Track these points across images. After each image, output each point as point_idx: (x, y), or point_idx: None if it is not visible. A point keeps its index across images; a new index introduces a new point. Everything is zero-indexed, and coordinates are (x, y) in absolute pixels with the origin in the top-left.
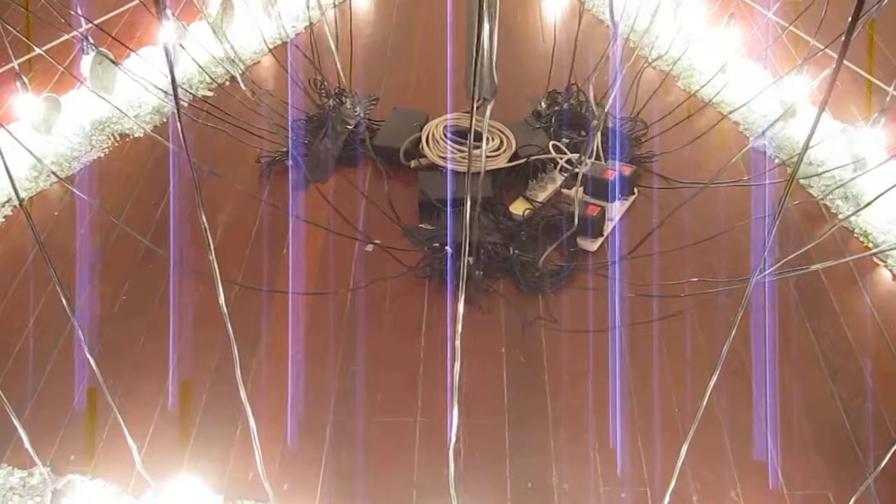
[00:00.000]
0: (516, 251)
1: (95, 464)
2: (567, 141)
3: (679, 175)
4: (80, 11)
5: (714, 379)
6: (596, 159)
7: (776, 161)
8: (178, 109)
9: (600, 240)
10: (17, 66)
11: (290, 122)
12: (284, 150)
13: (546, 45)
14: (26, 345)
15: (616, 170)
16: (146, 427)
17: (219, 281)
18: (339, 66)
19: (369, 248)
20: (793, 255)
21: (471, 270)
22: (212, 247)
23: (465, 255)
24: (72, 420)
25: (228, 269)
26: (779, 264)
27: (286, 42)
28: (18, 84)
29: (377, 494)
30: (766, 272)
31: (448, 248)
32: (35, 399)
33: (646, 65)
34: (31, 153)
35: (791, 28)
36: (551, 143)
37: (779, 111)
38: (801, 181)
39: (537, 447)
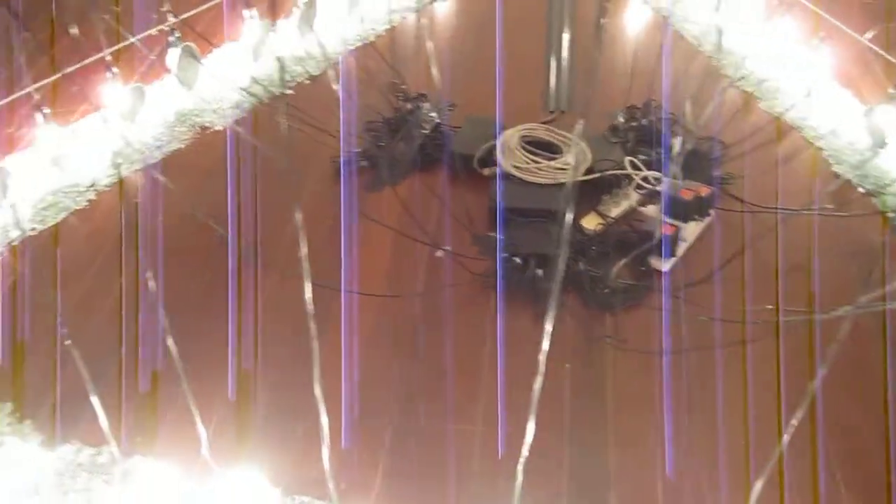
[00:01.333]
0: (586, 266)
1: (161, 447)
2: (644, 158)
3: (757, 200)
4: (167, 6)
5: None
6: (673, 178)
7: (861, 191)
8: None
9: (673, 260)
10: (107, 57)
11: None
12: (359, 150)
13: (626, 58)
14: (101, 325)
15: (693, 189)
16: (209, 416)
17: (308, 280)
18: (417, 70)
19: (439, 253)
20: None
21: (539, 282)
22: (304, 248)
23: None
24: (139, 403)
25: (298, 265)
26: (869, 298)
27: (367, 43)
28: (108, 73)
29: (433, 501)
30: (860, 305)
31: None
32: (105, 379)
33: (729, 84)
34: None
35: (883, 54)
36: (627, 158)
37: (867, 140)
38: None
39: (596, 467)
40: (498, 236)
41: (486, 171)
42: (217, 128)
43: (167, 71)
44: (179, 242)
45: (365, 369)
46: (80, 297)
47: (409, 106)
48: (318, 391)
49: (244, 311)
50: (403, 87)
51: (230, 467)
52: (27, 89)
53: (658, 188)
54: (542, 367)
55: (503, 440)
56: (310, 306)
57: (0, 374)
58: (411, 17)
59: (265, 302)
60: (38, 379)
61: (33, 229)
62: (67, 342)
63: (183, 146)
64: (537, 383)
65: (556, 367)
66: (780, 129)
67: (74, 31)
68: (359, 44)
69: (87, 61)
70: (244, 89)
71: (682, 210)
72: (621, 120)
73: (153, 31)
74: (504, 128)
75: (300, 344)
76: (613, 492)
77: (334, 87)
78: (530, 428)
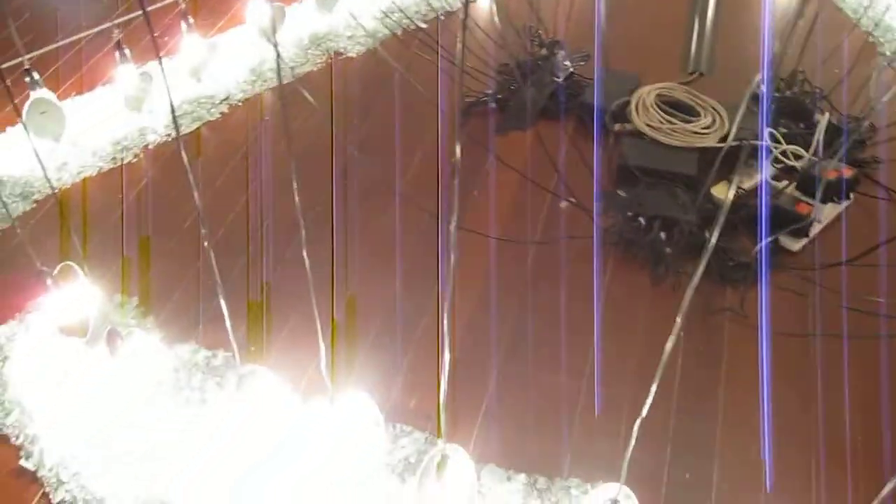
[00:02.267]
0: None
1: (273, 359)
2: (785, 131)
3: None
4: None
5: None
6: (813, 155)
7: None
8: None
9: (804, 241)
10: None
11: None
12: (490, 92)
13: (777, 26)
14: (226, 235)
15: (836, 170)
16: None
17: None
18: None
19: (563, 204)
20: None
21: (661, 246)
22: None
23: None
24: (255, 314)
25: (421, 198)
26: None
27: None
28: None
29: (531, 449)
30: None
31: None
32: (226, 287)
33: (884, 65)
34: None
35: None
36: (767, 130)
37: None
38: None
39: (702, 440)
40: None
41: (618, 127)
42: (350, 54)
43: None
44: (306, 162)
45: (476, 311)
46: (205, 205)
47: (543, 52)
48: (445, 324)
49: (368, 235)
50: (539, 31)
51: (340, 388)
52: None
53: (797, 164)
54: (677, 330)
55: (600, 398)
56: (449, 244)
57: (128, 269)
58: None
59: (382, 233)
60: (164, 277)
61: (168, 135)
62: (205, 243)
63: (315, 69)
64: (669, 344)
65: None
66: None
67: None
68: None
69: None
70: (382, 17)
71: (820, 190)
72: (763, 89)
73: None
74: (640, 85)
75: (417, 275)
76: (717, 465)
77: (470, 25)
78: (653, 389)
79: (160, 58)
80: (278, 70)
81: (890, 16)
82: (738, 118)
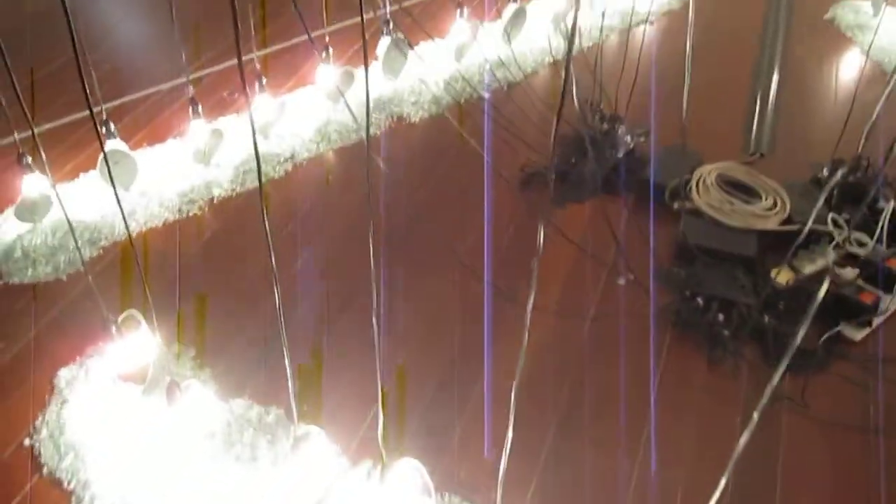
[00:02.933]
0: (772, 320)
1: (324, 421)
2: (847, 217)
3: None
4: None
5: None
6: (877, 243)
7: None
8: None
9: (867, 330)
10: (326, 38)
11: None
12: (549, 164)
13: (838, 107)
14: (283, 294)
15: None
16: (371, 403)
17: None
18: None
19: (621, 280)
20: None
21: (718, 327)
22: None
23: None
24: (307, 375)
25: (478, 267)
26: None
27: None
28: (322, 53)
29: None
30: None
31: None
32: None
33: None
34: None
35: None
36: (830, 215)
37: None
38: None
39: None
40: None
41: (677, 205)
42: (413, 120)
43: (375, 58)
44: (361, 226)
45: (531, 384)
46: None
47: (604, 126)
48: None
49: (424, 301)
50: (601, 106)
51: (392, 455)
52: (248, 56)
53: (861, 252)
54: (755, 420)
55: (655, 482)
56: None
57: (186, 320)
58: (616, 37)
59: (434, 300)
60: (221, 330)
61: (233, 190)
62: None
63: (378, 132)
64: (743, 437)
65: (729, 423)
66: None
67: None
68: (560, 57)
69: (300, 38)
70: (446, 86)
71: (884, 279)
72: (826, 173)
73: (368, 16)
74: (700, 163)
75: (466, 344)
76: None
77: (532, 96)
78: (721, 483)
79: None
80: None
81: None
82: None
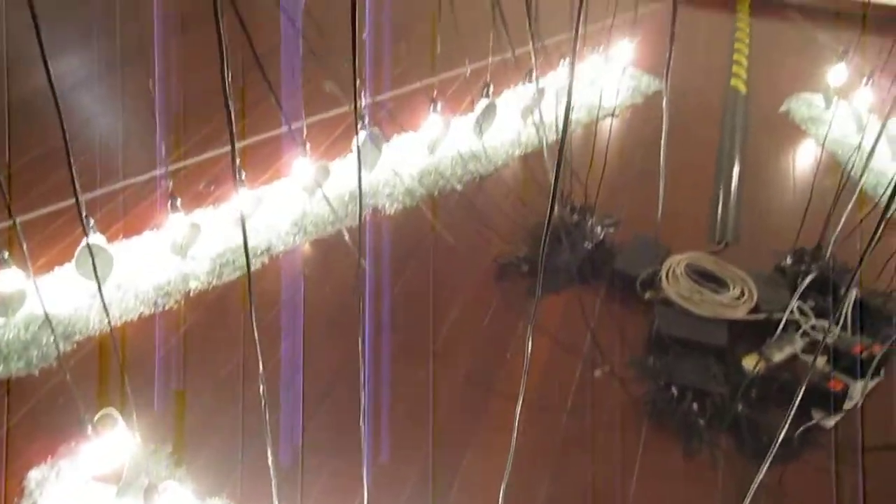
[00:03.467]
0: (745, 408)
1: None
2: (812, 304)
3: None
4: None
5: None
6: (842, 330)
7: None
8: None
9: (838, 417)
10: (304, 129)
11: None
12: (522, 255)
13: (798, 196)
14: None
15: (865, 346)
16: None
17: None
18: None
19: (598, 373)
20: None
21: (693, 419)
22: None
23: None
24: (285, 471)
25: (455, 358)
26: None
27: (538, 151)
28: (299, 146)
29: None
30: None
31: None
32: (258, 443)
33: None
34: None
35: None
36: (796, 304)
37: None
38: None
39: None
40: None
41: (648, 295)
42: (388, 212)
43: (350, 150)
44: (340, 315)
45: (508, 480)
46: (241, 357)
47: (575, 217)
48: None
49: (402, 394)
50: (571, 197)
51: None
52: (225, 149)
53: (827, 339)
54: None
55: None
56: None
57: (162, 416)
58: (584, 129)
59: (405, 394)
60: (198, 426)
61: (209, 283)
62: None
63: (354, 224)
64: None
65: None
66: None
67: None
68: (530, 149)
69: (277, 131)
70: (418, 179)
71: (851, 366)
72: (789, 262)
73: (342, 110)
74: (669, 253)
75: (445, 435)
76: None
77: (503, 188)
78: None
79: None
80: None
81: None
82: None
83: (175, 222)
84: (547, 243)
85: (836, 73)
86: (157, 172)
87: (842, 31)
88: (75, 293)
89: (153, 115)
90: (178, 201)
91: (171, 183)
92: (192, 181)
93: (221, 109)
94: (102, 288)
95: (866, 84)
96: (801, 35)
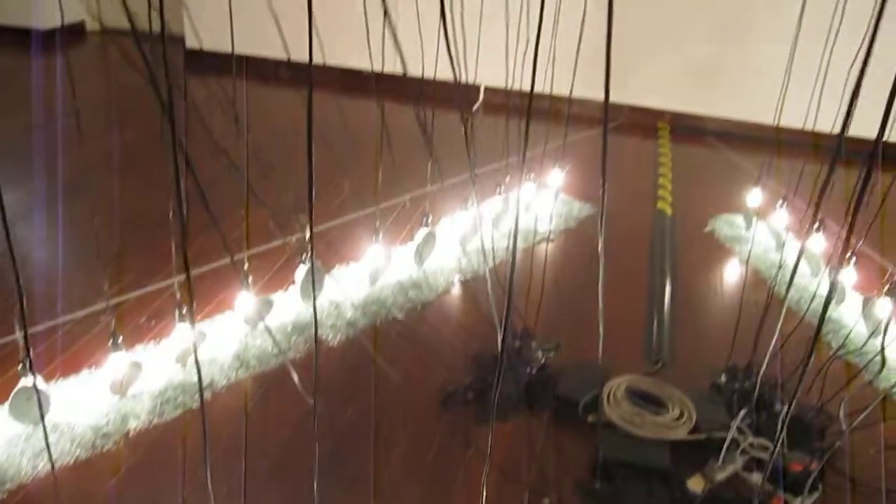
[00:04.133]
0: None
1: None
2: (749, 421)
3: (869, 479)
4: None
5: None
6: (780, 446)
7: None
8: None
9: None
10: (245, 263)
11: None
12: (466, 383)
13: (727, 313)
14: None
15: (802, 462)
16: None
17: None
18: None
19: (546, 502)
20: None
21: None
22: None
23: None
24: None
25: (402, 495)
26: None
27: (477, 277)
28: (243, 280)
29: None
30: None
31: None
32: None
33: (833, 355)
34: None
35: None
36: (734, 423)
37: None
38: None
39: None
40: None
41: (591, 419)
42: (331, 343)
43: (292, 282)
44: (289, 450)
45: None
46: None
47: (517, 343)
48: None
49: None
50: (512, 322)
51: None
52: (167, 282)
53: (764, 456)
54: None
55: None
56: None
57: None
58: (521, 255)
59: None
60: None
61: (150, 421)
62: None
63: (297, 357)
64: None
65: None
66: (887, 406)
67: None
68: (470, 276)
69: (220, 263)
70: (360, 309)
71: (790, 482)
72: (724, 380)
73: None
74: (608, 375)
75: None
76: None
77: (445, 316)
78: None
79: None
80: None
81: (831, 309)
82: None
83: (115, 360)
84: (492, 372)
85: (753, 195)
86: (97, 307)
87: (758, 155)
88: (6, 437)
89: (94, 248)
90: (119, 338)
91: (112, 320)
92: (133, 316)
93: (162, 242)
94: (38, 430)
95: (780, 206)
96: (720, 159)
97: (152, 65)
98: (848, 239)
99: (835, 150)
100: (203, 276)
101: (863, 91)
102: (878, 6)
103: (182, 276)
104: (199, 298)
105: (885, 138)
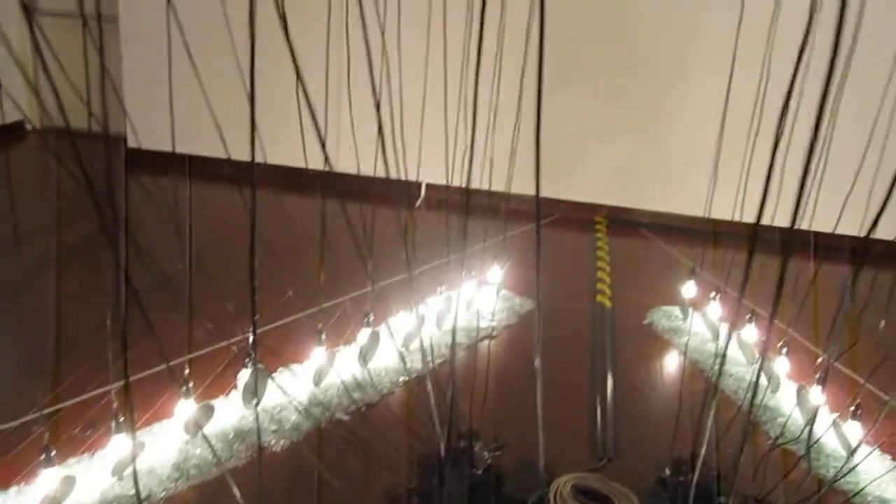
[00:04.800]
0: None
1: None
2: None
3: None
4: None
5: None
6: None
7: None
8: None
9: None
10: (186, 368)
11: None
12: (412, 486)
13: (669, 404)
14: None
15: None
16: None
17: None
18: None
19: None
20: None
21: None
22: None
23: None
24: None
25: None
26: None
27: (422, 375)
28: (182, 388)
29: None
30: None
31: None
32: None
33: (771, 444)
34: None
35: None
36: None
37: None
38: None
39: None
40: None
41: None
42: (274, 449)
43: (234, 386)
44: None
45: None
46: None
47: (461, 443)
48: None
49: None
50: (456, 423)
51: None
52: (103, 389)
53: None
54: None
55: None
56: None
57: None
58: (464, 352)
59: None
60: None
61: None
62: None
63: (240, 464)
64: None
65: None
66: (828, 493)
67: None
68: (414, 376)
69: (159, 368)
70: (305, 411)
71: None
72: (668, 473)
73: (227, 343)
74: (554, 473)
75: None
76: None
77: (389, 417)
78: None
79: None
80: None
81: (768, 398)
82: None
83: (47, 475)
84: (437, 474)
85: (688, 287)
86: (31, 417)
87: (691, 246)
88: None
89: (29, 355)
90: (52, 452)
91: (46, 433)
92: (69, 425)
93: (97, 348)
94: None
95: (714, 298)
96: (656, 251)
97: (92, 165)
98: (771, 324)
99: (750, 240)
100: (142, 382)
101: (785, 182)
102: (785, 102)
103: (120, 383)
104: (137, 406)
105: (810, 227)
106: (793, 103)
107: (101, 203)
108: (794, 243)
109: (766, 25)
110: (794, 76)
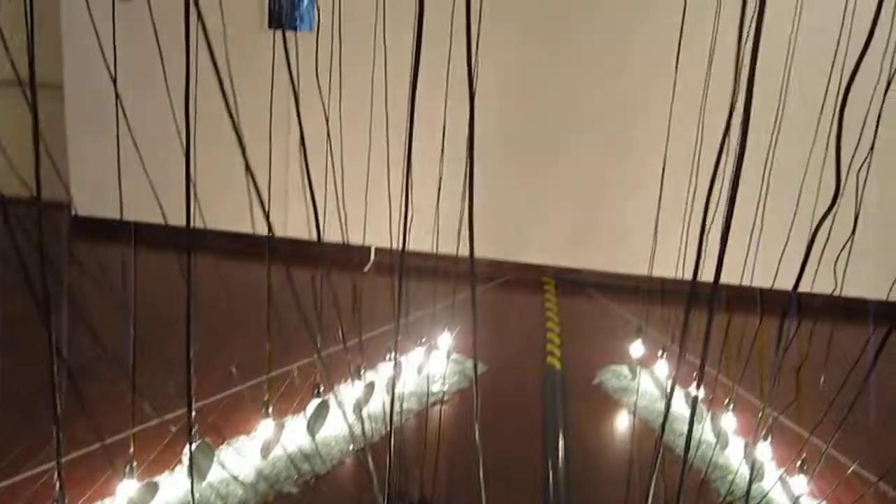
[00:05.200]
0: None
1: None
2: None
3: None
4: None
5: None
6: None
7: None
8: None
9: None
10: (130, 451)
11: None
12: None
13: (620, 466)
14: None
15: None
16: None
17: None
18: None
19: None
20: None
21: None
22: None
23: None
24: None
25: None
26: None
27: (373, 443)
28: (126, 469)
29: None
30: None
31: None
32: None
33: (720, 503)
34: None
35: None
36: None
37: None
38: None
39: None
40: None
41: None
42: None
43: (179, 461)
44: None
45: None
46: None
47: None
48: None
49: None
50: (407, 491)
51: None
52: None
53: None
54: None
55: None
56: None
57: None
58: (416, 419)
59: None
60: None
61: None
62: None
63: None
64: None
65: None
66: None
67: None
68: (364, 444)
69: (93, 447)
70: (252, 485)
71: None
72: None
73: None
74: None
75: None
76: None
77: (338, 489)
78: None
79: None
80: None
81: (717, 456)
82: None
83: None
84: None
85: (636, 346)
86: None
87: (638, 304)
88: None
89: None
90: None
91: None
92: None
93: (32, 426)
94: None
95: (661, 356)
96: (603, 310)
97: (35, 233)
98: (700, 376)
99: (687, 297)
100: (85, 459)
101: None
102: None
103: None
104: (79, 484)
105: (751, 283)
106: (723, 165)
107: (33, 275)
108: (711, 297)
109: (698, 98)
110: (723, 143)
